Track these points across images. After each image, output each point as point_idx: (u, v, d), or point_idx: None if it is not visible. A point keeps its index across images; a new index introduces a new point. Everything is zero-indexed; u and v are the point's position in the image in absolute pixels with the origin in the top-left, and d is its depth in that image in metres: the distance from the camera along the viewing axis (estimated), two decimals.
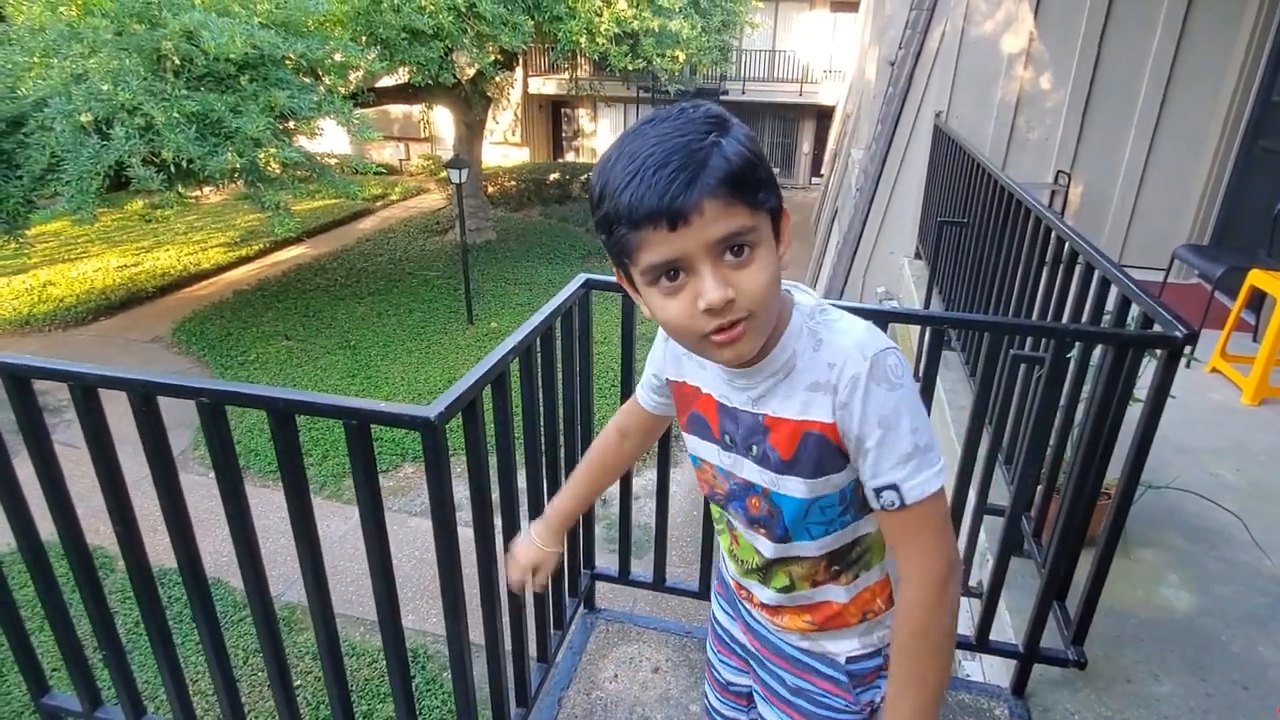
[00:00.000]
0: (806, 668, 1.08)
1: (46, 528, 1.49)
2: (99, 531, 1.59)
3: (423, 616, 5.22)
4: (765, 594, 1.06)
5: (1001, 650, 1.87)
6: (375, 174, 11.28)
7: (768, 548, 1.01)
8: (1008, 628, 2.00)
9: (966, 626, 1.94)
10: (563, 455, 1.81)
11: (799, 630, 1.06)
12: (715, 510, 1.10)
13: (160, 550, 1.48)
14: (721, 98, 18.27)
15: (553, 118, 20.98)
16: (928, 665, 0.90)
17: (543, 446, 1.68)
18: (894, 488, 0.85)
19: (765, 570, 1.04)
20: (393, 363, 9.27)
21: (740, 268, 0.78)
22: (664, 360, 1.07)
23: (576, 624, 2.12)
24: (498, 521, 1.43)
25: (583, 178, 16.96)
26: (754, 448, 0.94)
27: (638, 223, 0.76)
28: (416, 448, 7.18)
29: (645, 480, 6.09)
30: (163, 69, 7.29)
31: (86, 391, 1.28)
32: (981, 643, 1.87)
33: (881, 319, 1.57)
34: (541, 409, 1.63)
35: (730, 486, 1.00)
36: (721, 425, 0.97)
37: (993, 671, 2.12)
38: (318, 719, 4.30)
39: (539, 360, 1.58)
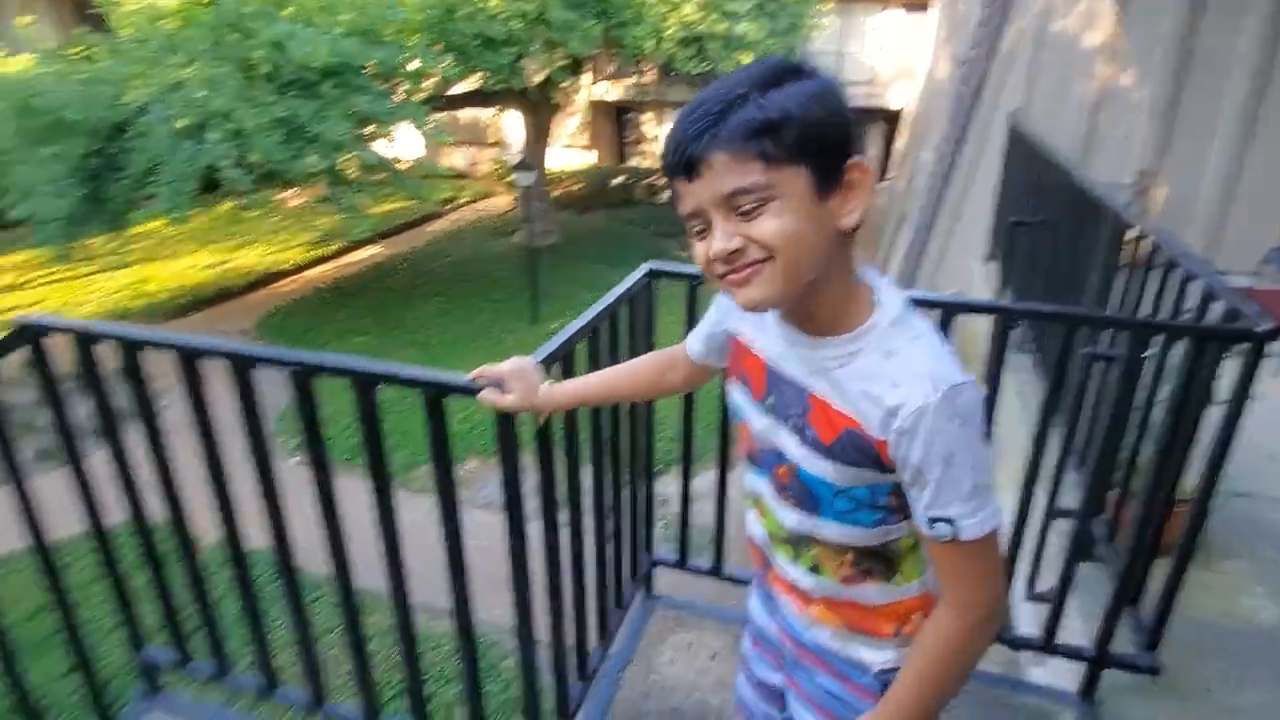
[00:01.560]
0: (839, 672, 1.05)
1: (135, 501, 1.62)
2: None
3: (484, 606, 5.36)
4: (794, 571, 1.03)
5: (1070, 652, 1.82)
6: (445, 178, 11.67)
7: (791, 519, 0.99)
8: (1078, 634, 1.94)
9: (1034, 627, 1.90)
10: (626, 443, 1.85)
11: (830, 626, 1.03)
12: (747, 480, 1.07)
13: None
14: None
15: (617, 123, 21.17)
16: (940, 692, 0.91)
17: (606, 433, 1.73)
18: (949, 521, 0.83)
19: (792, 544, 1.02)
20: (460, 360, 9.52)
21: (750, 219, 0.78)
22: (728, 308, 1.06)
23: (636, 608, 2.15)
24: (563, 516, 1.48)
25: (645, 182, 17.06)
26: (791, 419, 0.93)
27: (669, 171, 0.81)
28: (481, 442, 7.37)
29: (703, 481, 6.06)
30: (253, 77, 7.70)
31: (189, 360, 1.38)
32: (1049, 645, 1.83)
33: (949, 309, 1.57)
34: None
35: (762, 450, 1.00)
36: (767, 387, 0.96)
37: (1060, 678, 2.06)
38: (386, 697, 4.45)
39: (604, 344, 1.62)
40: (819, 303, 0.86)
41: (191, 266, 12.94)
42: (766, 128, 0.75)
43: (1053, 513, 1.90)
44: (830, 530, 0.96)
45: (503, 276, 12.51)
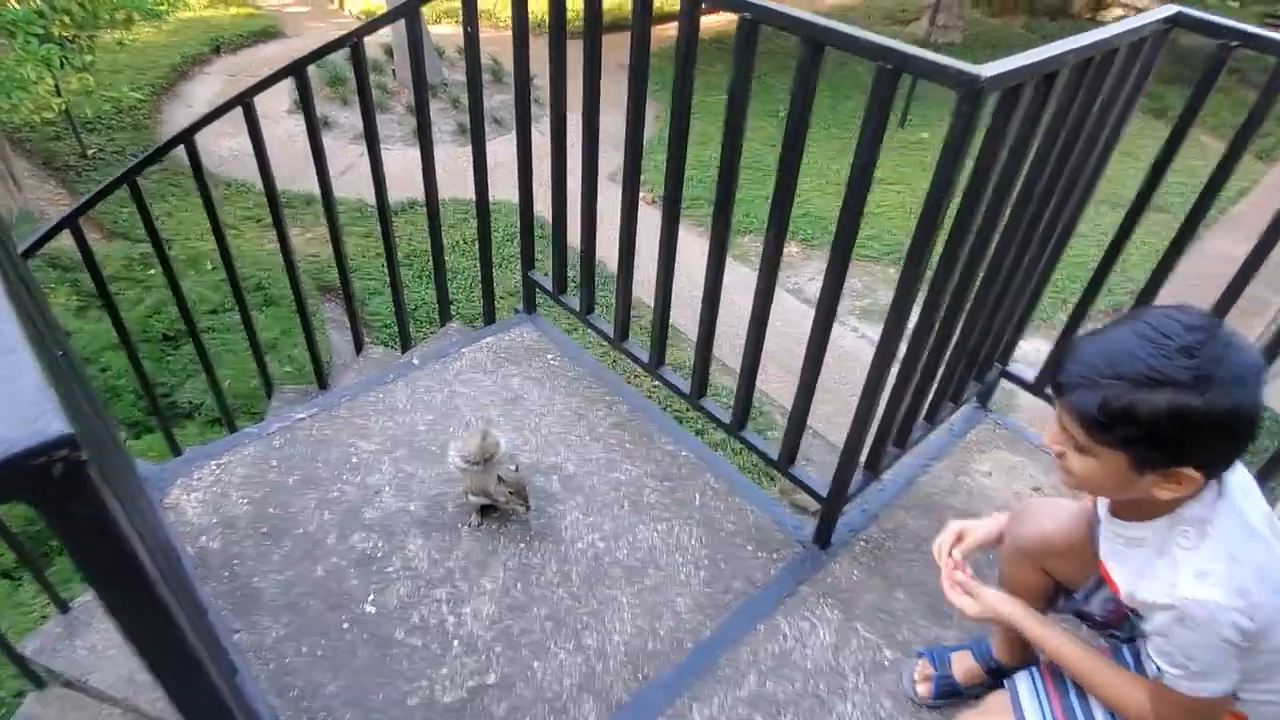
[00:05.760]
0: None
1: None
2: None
3: (766, 378, 5.57)
4: None
5: None
6: None
7: None
8: None
9: None
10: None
11: None
12: None
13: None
14: None
15: None
16: (1077, 672, 1.07)
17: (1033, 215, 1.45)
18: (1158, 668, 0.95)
19: None
20: (811, 145, 9.08)
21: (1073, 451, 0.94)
22: None
23: (965, 410, 1.99)
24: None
25: None
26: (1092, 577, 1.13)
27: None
28: (806, 232, 7.25)
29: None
30: None
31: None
32: None
33: None
34: (1028, 168, 1.35)
35: None
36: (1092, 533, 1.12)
37: None
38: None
39: (1062, 90, 1.28)
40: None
41: None
42: (1096, 417, 0.88)
43: None
44: None
45: None
